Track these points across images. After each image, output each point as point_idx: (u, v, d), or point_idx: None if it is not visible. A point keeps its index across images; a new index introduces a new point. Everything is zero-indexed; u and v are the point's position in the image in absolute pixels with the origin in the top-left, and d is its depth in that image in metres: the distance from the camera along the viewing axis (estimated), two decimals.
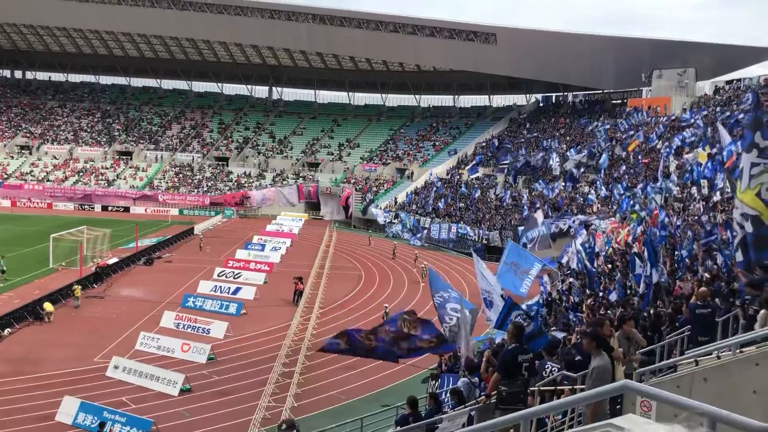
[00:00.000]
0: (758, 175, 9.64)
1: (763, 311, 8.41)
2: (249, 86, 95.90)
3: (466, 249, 53.12)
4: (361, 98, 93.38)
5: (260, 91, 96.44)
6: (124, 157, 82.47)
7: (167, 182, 77.10)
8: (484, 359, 12.03)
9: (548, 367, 9.58)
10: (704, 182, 31.66)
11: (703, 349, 8.06)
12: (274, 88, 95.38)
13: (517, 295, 26.07)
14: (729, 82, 62.85)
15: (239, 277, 39.47)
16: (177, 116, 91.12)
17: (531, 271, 24.45)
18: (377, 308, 32.58)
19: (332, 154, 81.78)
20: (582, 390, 7.09)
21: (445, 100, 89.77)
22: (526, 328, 12.17)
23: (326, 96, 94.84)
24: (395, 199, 66.74)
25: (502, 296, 17.96)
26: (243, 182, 77.07)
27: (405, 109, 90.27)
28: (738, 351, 7.10)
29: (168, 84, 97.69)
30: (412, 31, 72.51)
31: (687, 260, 20.06)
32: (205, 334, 27.99)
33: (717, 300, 11.97)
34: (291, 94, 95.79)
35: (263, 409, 19.93)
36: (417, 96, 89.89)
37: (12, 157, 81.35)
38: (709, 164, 33.52)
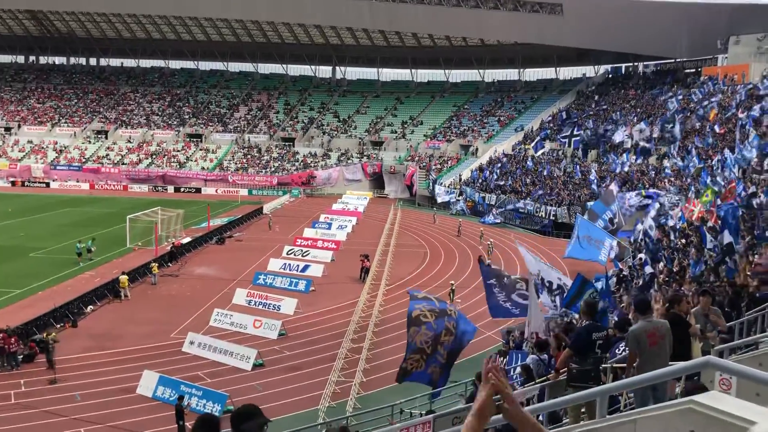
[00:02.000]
0: None
1: None
2: (313, 66, 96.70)
3: (533, 225, 52.40)
4: (424, 75, 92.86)
5: (324, 71, 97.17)
6: (194, 140, 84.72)
7: (236, 163, 78.85)
8: (553, 336, 11.93)
9: (621, 345, 9.42)
10: None
11: None
12: (337, 68, 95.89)
13: (600, 264, 25.71)
14: None
15: (307, 255, 40.16)
16: (244, 98, 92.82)
17: (605, 242, 24.07)
18: (443, 285, 32.59)
19: (396, 132, 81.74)
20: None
21: (509, 74, 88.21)
22: (599, 304, 11.98)
23: (389, 74, 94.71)
24: (459, 176, 66.24)
25: (559, 278, 17.65)
26: (309, 162, 78.04)
27: (469, 84, 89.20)
28: None
29: (234, 67, 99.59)
30: (476, 5, 71.30)
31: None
32: (275, 311, 28.67)
33: None
34: (354, 73, 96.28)
35: (333, 384, 20.34)
36: (481, 71, 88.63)
37: (89, 141, 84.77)
38: None
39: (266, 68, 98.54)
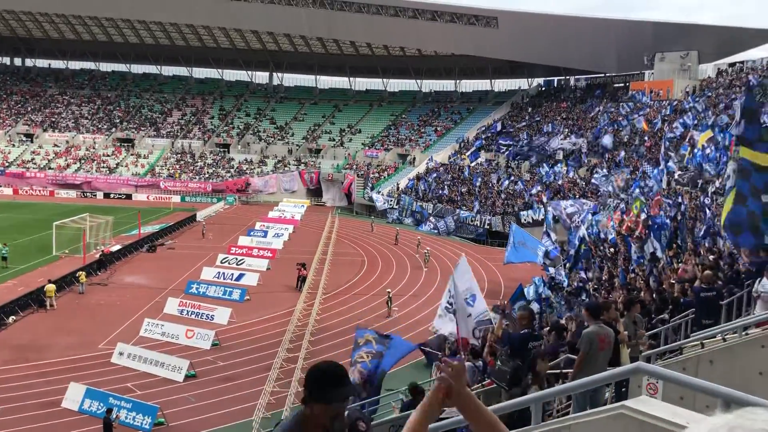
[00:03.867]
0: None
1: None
2: (249, 72, 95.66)
3: (468, 234, 53.13)
4: (362, 83, 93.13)
5: (261, 77, 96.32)
6: (125, 145, 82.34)
7: (169, 169, 77.05)
8: (487, 344, 12.08)
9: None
10: (709, 166, 31.57)
11: (709, 331, 8.08)
12: (274, 74, 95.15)
13: (537, 264, 26.30)
14: (732, 65, 62.49)
15: (242, 263, 39.54)
16: (178, 103, 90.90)
17: (538, 249, 24.67)
18: (380, 293, 32.64)
19: (334, 140, 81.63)
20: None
21: (446, 84, 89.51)
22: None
23: (327, 81, 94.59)
24: (397, 185, 66.65)
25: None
26: (244, 169, 77.00)
27: (407, 94, 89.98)
28: (744, 333, 7.12)
29: (168, 70, 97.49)
30: (413, 15, 72.10)
31: (689, 243, 20.05)
32: (208, 321, 28.07)
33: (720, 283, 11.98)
34: (291, 79, 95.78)
35: (268, 394, 20.03)
36: (419, 81, 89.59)
37: (13, 145, 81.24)
38: (710, 148, 33.42)
39: (201, 73, 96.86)
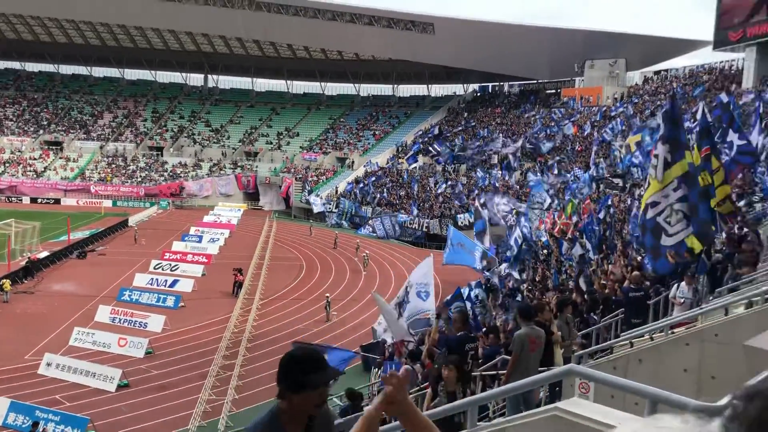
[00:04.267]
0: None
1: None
2: (183, 74, 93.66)
3: (406, 236, 53.48)
4: (299, 87, 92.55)
5: (195, 79, 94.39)
6: (53, 148, 79.31)
7: (99, 173, 74.64)
8: (425, 347, 12.17)
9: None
10: (635, 170, 32.77)
11: (637, 331, 8.37)
12: (209, 76, 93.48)
13: (476, 270, 26.67)
14: (657, 73, 65.09)
15: (176, 269, 38.65)
16: (109, 105, 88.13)
17: (475, 252, 25.03)
18: (319, 298, 32.49)
19: (271, 143, 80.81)
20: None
21: (384, 89, 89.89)
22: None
23: (264, 84, 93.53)
24: (336, 188, 66.54)
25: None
26: (179, 172, 75.33)
27: (344, 97, 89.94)
28: (669, 332, 7.41)
29: (99, 71, 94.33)
30: (350, 20, 72.17)
31: (618, 245, 20.75)
32: (142, 328, 27.33)
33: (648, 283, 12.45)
34: (227, 82, 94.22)
35: (204, 403, 19.65)
36: (356, 85, 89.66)
37: None
38: (637, 152, 34.68)
39: (133, 74, 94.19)
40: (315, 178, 70.99)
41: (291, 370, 2.55)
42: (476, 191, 52.56)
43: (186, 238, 47.94)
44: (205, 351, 24.88)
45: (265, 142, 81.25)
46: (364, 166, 68.72)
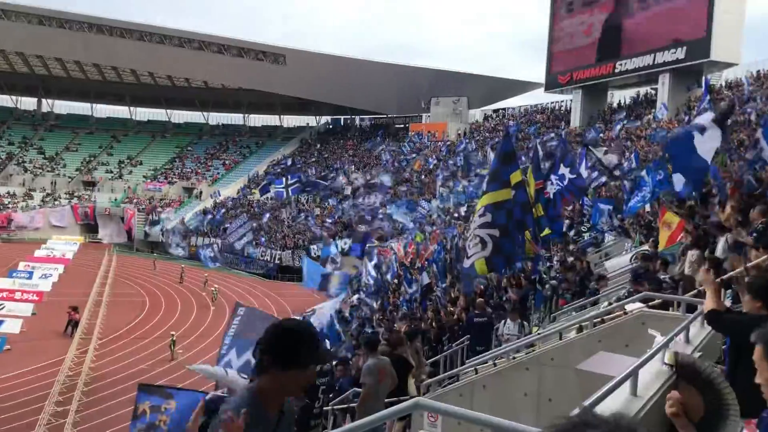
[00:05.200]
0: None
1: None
2: (14, 97, 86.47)
3: (258, 269, 52.46)
4: (143, 113, 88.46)
5: (27, 103, 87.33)
6: None
7: None
8: None
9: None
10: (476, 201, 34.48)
11: (481, 357, 8.69)
12: (44, 100, 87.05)
13: (332, 297, 26.50)
14: (496, 111, 69.52)
15: (2, 309, 34.99)
16: None
17: (329, 286, 25.04)
18: (164, 336, 30.86)
19: (111, 172, 76.49)
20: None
21: (235, 118, 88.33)
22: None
23: (104, 110, 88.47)
24: (183, 219, 64.09)
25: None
26: (6, 203, 69.02)
27: (192, 126, 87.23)
28: (512, 357, 7.75)
29: None
30: (199, 47, 70.67)
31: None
32: None
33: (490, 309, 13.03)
34: (64, 107, 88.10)
35: None
36: (205, 113, 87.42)
37: None
38: (482, 185, 36.63)
39: None
40: (160, 209, 67.95)
41: (282, 343, 2.27)
42: (330, 221, 52.86)
43: (14, 274, 43.66)
44: (35, 398, 22.63)
45: (105, 171, 76.78)
46: (211, 196, 66.95)
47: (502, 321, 10.91)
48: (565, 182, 15.64)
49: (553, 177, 14.84)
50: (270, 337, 2.30)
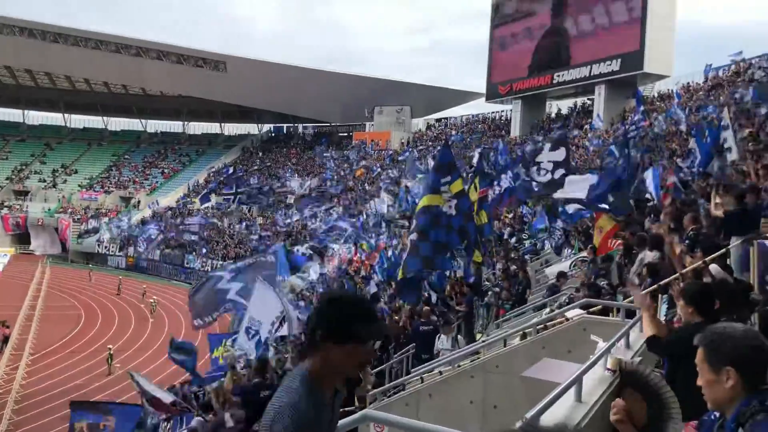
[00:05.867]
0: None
1: None
2: None
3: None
4: (78, 120, 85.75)
5: None
6: None
7: None
8: (218, 397, 11.63)
9: None
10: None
11: (427, 366, 8.70)
12: None
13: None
14: (438, 120, 70.26)
15: None
16: None
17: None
18: (100, 349, 29.87)
19: (44, 181, 73.83)
20: None
21: (174, 125, 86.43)
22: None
23: (37, 117, 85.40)
24: (120, 229, 62.27)
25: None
26: None
27: (130, 133, 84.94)
28: (457, 366, 7.78)
29: None
30: (137, 54, 69.10)
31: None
32: None
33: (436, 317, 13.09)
34: None
35: None
36: (143, 120, 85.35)
37: None
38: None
39: None
40: (96, 219, 65.88)
41: (337, 315, 2.04)
42: (272, 234, 52.29)
43: None
44: None
45: (37, 179, 74.06)
46: (150, 206, 65.38)
47: (437, 336, 11.04)
48: (518, 182, 15.95)
49: (504, 176, 15.19)
50: (322, 307, 2.09)
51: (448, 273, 16.62)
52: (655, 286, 8.01)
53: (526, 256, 18.92)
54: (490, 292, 14.02)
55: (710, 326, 2.43)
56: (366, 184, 55.41)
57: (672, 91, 41.55)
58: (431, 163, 36.15)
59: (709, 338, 2.35)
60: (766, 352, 2.26)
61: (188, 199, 66.18)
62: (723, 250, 7.51)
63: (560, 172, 14.82)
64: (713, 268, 5.89)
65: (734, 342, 2.27)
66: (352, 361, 2.07)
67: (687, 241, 8.87)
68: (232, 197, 59.92)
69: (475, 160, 22.38)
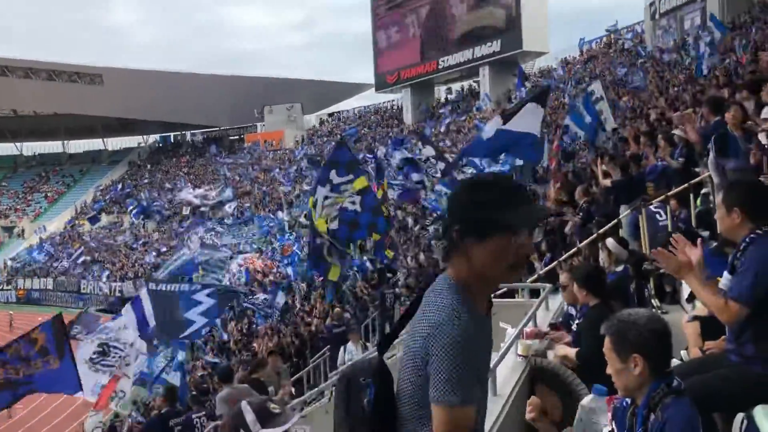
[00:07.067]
0: (329, 206, 10.66)
1: None
2: None
3: (99, 305, 48.90)
4: None
5: None
6: None
7: None
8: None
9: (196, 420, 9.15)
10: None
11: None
12: None
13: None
14: (331, 115, 70.02)
15: None
16: None
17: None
18: None
19: None
20: None
21: (53, 146, 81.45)
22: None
23: None
24: (5, 261, 58.40)
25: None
26: None
27: (5, 159, 79.35)
28: None
29: None
30: (3, 73, 64.69)
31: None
32: None
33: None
34: None
35: None
36: (18, 144, 80.00)
37: None
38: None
39: None
40: None
41: (473, 202, 1.62)
42: (180, 246, 50.53)
43: None
44: None
45: None
46: (36, 233, 61.64)
47: (341, 347, 10.71)
48: (408, 181, 16.06)
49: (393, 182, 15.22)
50: (455, 197, 1.69)
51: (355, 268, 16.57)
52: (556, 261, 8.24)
53: (431, 243, 19.14)
54: (396, 289, 14.04)
55: (616, 314, 2.45)
56: (264, 187, 54.47)
57: (552, 67, 43.29)
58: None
59: (615, 327, 2.36)
60: (668, 337, 2.31)
61: (76, 222, 62.82)
62: (615, 221, 7.79)
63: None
64: (609, 242, 6.06)
65: (638, 329, 2.29)
66: (502, 259, 1.64)
67: (580, 213, 9.18)
68: (135, 212, 57.22)
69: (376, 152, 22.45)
